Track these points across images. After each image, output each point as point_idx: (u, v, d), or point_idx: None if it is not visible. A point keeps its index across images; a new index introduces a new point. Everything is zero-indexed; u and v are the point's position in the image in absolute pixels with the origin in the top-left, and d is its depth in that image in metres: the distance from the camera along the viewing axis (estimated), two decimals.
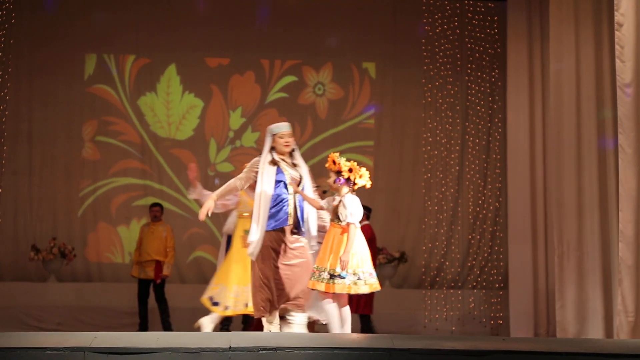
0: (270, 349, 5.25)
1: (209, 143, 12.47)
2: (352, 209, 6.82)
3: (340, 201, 6.87)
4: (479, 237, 11.88)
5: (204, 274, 11.34)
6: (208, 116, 12.52)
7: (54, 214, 11.85)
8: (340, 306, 6.89)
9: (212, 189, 12.04)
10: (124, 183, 12.37)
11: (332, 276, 6.71)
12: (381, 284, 11.74)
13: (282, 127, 7.13)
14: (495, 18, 11.93)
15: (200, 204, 7.83)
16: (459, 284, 11.75)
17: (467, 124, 12.04)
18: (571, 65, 9.25)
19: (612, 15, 8.24)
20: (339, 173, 6.87)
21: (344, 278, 6.69)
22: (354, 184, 6.88)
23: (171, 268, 10.60)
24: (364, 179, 6.92)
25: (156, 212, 10.72)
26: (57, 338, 5.55)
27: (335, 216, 6.88)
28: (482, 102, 12.03)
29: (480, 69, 12.00)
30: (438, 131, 11.95)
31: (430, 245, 11.80)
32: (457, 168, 11.97)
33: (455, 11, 12.02)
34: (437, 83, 11.99)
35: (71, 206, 11.94)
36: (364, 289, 6.80)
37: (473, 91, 12.03)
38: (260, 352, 5.23)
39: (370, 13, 12.21)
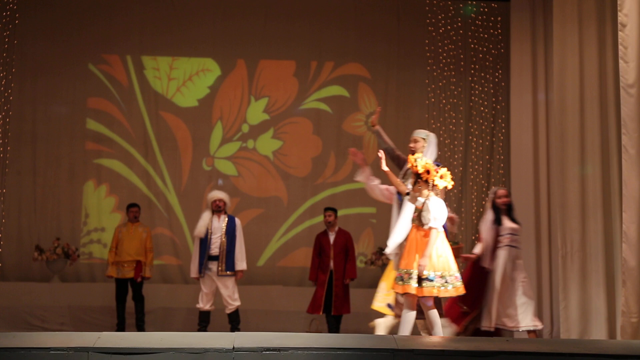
0: (274, 349, 5.26)
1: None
2: (436, 212, 6.84)
3: (424, 203, 6.87)
4: None
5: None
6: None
7: (57, 215, 11.83)
8: (427, 309, 6.97)
9: (204, 186, 12.03)
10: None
11: (420, 279, 6.78)
12: None
13: (415, 132, 7.68)
14: (499, 19, 11.92)
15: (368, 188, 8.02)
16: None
17: (470, 124, 12.02)
18: (575, 65, 9.24)
19: (615, 16, 8.24)
20: (417, 175, 6.90)
21: (432, 281, 6.76)
22: (434, 185, 6.89)
23: (152, 270, 10.60)
24: (445, 179, 6.92)
25: (135, 212, 10.62)
26: (61, 338, 5.56)
27: (418, 218, 6.90)
28: (486, 103, 12.02)
29: (483, 70, 11.99)
30: (441, 132, 11.93)
31: None
32: (461, 169, 11.95)
33: (459, 12, 12.01)
34: (440, 84, 11.98)
35: (75, 206, 11.92)
36: (450, 292, 6.86)
37: (476, 92, 12.02)
38: (264, 352, 5.24)
39: (374, 14, 12.19)
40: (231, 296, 9.83)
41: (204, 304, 9.82)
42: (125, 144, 12.00)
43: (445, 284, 6.82)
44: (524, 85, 10.80)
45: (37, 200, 11.82)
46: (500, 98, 11.96)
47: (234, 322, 9.86)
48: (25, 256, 11.50)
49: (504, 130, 11.83)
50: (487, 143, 12.00)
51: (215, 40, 12.11)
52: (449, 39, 11.99)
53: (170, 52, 12.13)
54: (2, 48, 11.38)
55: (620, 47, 7.97)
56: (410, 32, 12.16)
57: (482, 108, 12.03)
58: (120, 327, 10.25)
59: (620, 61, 7.95)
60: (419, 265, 6.79)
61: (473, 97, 12.03)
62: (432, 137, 7.81)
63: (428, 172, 6.93)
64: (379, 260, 11.56)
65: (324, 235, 10.40)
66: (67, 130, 11.95)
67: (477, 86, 12.01)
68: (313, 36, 12.18)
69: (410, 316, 6.96)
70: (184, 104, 12.12)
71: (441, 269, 6.83)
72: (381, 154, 7.50)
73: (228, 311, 9.86)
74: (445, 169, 7.02)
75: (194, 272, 9.92)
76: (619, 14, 7.98)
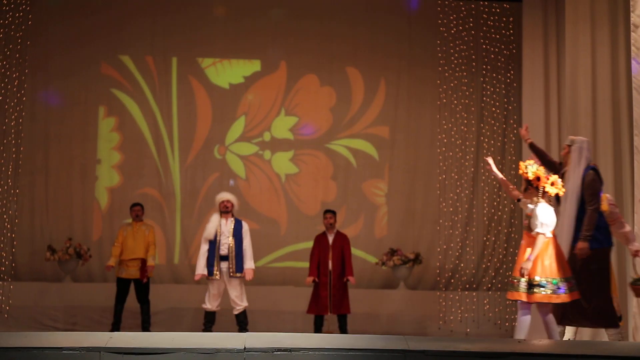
0: (285, 349, 5.27)
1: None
2: (544, 219, 6.91)
3: (533, 210, 6.96)
4: (493, 238, 11.84)
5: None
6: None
7: (70, 215, 11.87)
8: (544, 314, 7.04)
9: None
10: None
11: (531, 285, 6.85)
12: (395, 286, 11.82)
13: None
14: (511, 19, 11.89)
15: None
16: (474, 286, 11.71)
17: (482, 125, 12.00)
18: (587, 66, 9.22)
19: (628, 17, 8.22)
20: (528, 182, 6.99)
21: (543, 287, 6.83)
22: (545, 192, 6.98)
23: (155, 259, 10.60)
24: (555, 187, 6.99)
25: (138, 211, 10.61)
26: (73, 338, 5.58)
27: (528, 225, 7.01)
28: (497, 104, 11.99)
29: (495, 70, 11.96)
30: (453, 132, 11.92)
31: (445, 246, 11.77)
32: (472, 169, 11.93)
33: (471, 12, 11.98)
34: (452, 84, 11.95)
35: (87, 207, 11.96)
36: (564, 297, 6.94)
37: (488, 92, 11.99)
38: (275, 353, 5.24)
39: (385, 14, 12.18)
40: (239, 297, 9.85)
41: (210, 305, 9.84)
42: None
43: (558, 289, 6.91)
44: (536, 86, 10.78)
45: (49, 201, 11.86)
46: (512, 99, 11.93)
47: (242, 323, 9.88)
48: (37, 256, 11.54)
49: (515, 131, 11.80)
50: (499, 144, 11.98)
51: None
52: (460, 39, 11.97)
53: (191, 52, 12.16)
54: (15, 49, 11.42)
55: (632, 48, 7.95)
56: (422, 32, 12.15)
57: (493, 109, 12.00)
58: (116, 327, 10.23)
59: (633, 62, 7.93)
60: (520, 267, 6.90)
61: (485, 98, 12.01)
62: (578, 142, 7.71)
63: (538, 178, 7.02)
64: (390, 261, 11.54)
65: (323, 236, 10.41)
66: (79, 131, 11.99)
67: (488, 87, 11.98)
68: (323, 36, 12.18)
69: (524, 321, 7.07)
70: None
71: (552, 274, 6.91)
72: (490, 160, 7.61)
73: (236, 312, 9.88)
74: (557, 175, 7.11)
75: (199, 270, 9.90)
76: (632, 14, 7.97)
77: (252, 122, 12.12)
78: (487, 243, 11.85)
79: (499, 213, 11.84)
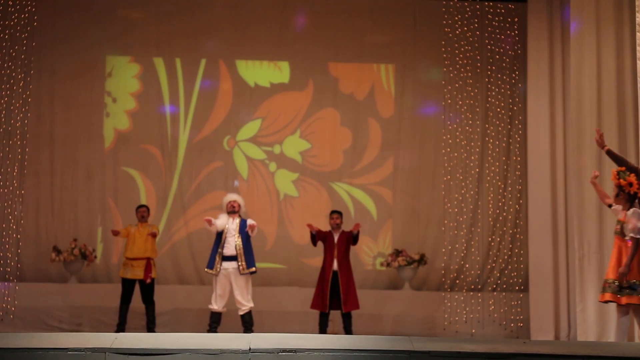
0: (290, 350, 5.27)
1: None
2: (637, 223, 6.98)
3: (625, 215, 7.04)
4: (499, 239, 11.83)
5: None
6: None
7: (75, 216, 11.89)
8: (621, 315, 7.16)
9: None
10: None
11: (621, 288, 6.95)
12: (400, 286, 11.82)
13: None
14: (516, 19, 11.85)
15: None
16: (479, 287, 11.69)
17: (487, 126, 11.98)
18: (592, 66, 9.20)
19: (633, 17, 8.21)
20: (620, 188, 7.07)
21: (635, 290, 6.93)
22: (636, 197, 7.08)
23: (157, 238, 10.66)
24: None
25: (143, 212, 10.64)
26: (79, 339, 5.59)
27: (620, 230, 7.07)
28: (502, 104, 11.97)
29: (500, 71, 11.93)
30: (458, 133, 11.89)
31: (449, 247, 11.75)
32: (477, 170, 11.91)
33: (475, 13, 11.96)
34: (457, 85, 11.92)
35: (92, 207, 11.97)
36: None
37: (493, 93, 11.97)
38: (280, 353, 5.24)
39: (391, 15, 12.18)
40: (245, 297, 9.86)
41: (217, 305, 9.85)
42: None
43: None
44: (541, 86, 10.77)
45: (54, 202, 11.89)
46: (517, 99, 11.91)
47: (247, 323, 9.88)
48: (42, 257, 11.57)
49: (520, 132, 11.79)
50: (504, 144, 11.96)
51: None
52: (465, 39, 11.94)
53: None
54: (20, 50, 11.42)
55: (638, 48, 7.93)
56: (426, 32, 12.14)
57: (498, 109, 11.98)
58: (121, 328, 10.25)
59: (638, 62, 7.91)
60: (619, 273, 6.95)
61: (490, 99, 11.99)
62: None
63: (630, 184, 7.08)
64: (395, 262, 11.54)
65: (329, 234, 10.41)
66: (84, 132, 12.02)
67: (493, 87, 11.96)
68: (328, 36, 12.18)
69: (622, 323, 7.21)
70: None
71: None
72: (596, 173, 7.80)
73: (241, 312, 9.88)
74: None
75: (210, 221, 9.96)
76: (637, 15, 7.95)
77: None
78: (492, 244, 11.83)
79: (504, 214, 11.82)
